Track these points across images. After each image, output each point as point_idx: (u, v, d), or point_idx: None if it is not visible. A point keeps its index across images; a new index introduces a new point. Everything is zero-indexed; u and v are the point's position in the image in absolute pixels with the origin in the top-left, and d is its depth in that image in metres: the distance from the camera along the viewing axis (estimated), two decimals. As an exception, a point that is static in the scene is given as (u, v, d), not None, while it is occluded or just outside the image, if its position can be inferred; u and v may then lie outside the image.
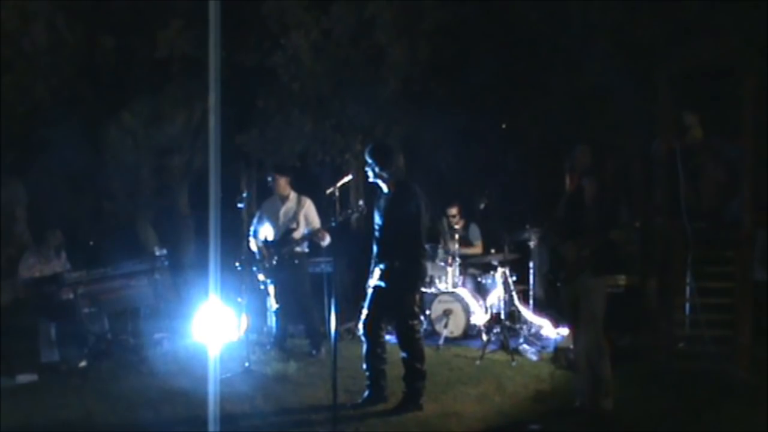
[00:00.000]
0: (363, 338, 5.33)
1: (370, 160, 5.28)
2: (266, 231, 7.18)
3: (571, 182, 5.07)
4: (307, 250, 7.20)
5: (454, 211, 8.37)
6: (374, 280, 5.28)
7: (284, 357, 6.91)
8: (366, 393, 5.30)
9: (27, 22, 8.42)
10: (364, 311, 5.33)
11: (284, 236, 7.07)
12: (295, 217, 7.09)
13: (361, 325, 5.34)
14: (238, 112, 9.00)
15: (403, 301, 5.25)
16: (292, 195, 7.22)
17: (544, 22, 8.46)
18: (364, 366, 5.31)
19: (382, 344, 5.35)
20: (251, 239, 7.34)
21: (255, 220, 7.37)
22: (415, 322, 5.34)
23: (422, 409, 5.15)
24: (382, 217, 5.28)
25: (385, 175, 5.26)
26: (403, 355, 5.27)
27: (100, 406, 5.42)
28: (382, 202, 5.34)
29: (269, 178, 7.36)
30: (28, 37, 8.42)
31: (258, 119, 9.46)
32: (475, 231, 8.44)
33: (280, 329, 7.28)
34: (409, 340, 5.26)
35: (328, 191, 5.39)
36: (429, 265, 8.13)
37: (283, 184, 7.22)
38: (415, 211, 5.17)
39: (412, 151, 9.98)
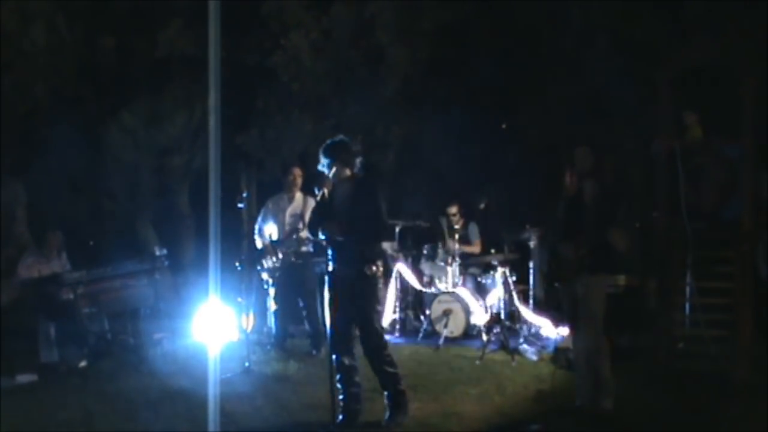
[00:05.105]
0: (335, 356, 4.77)
1: (329, 158, 4.89)
2: (271, 230, 7.18)
3: (571, 183, 5.07)
4: (311, 249, 7.20)
5: (453, 209, 8.30)
6: (339, 286, 4.78)
7: (284, 357, 6.90)
8: (340, 416, 4.74)
9: (27, 22, 8.43)
10: (332, 326, 4.79)
11: (290, 236, 7.07)
12: (301, 217, 7.08)
13: (329, 341, 4.83)
14: (238, 112, 9.01)
15: (372, 314, 4.77)
16: (299, 195, 7.22)
17: (544, 23, 8.48)
18: (339, 386, 4.77)
19: (355, 365, 4.82)
20: (256, 237, 7.33)
21: (260, 218, 7.35)
22: (384, 342, 4.86)
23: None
24: (347, 211, 4.76)
25: (347, 172, 4.89)
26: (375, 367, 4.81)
27: (100, 406, 5.41)
28: (343, 197, 4.85)
29: (283, 176, 7.34)
30: (28, 37, 8.44)
31: (258, 119, 9.48)
32: (474, 230, 8.41)
33: (279, 330, 7.28)
34: (380, 359, 4.76)
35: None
36: (429, 265, 8.17)
37: (298, 176, 7.20)
38: (380, 205, 4.77)
39: (412, 151, 10.02)
